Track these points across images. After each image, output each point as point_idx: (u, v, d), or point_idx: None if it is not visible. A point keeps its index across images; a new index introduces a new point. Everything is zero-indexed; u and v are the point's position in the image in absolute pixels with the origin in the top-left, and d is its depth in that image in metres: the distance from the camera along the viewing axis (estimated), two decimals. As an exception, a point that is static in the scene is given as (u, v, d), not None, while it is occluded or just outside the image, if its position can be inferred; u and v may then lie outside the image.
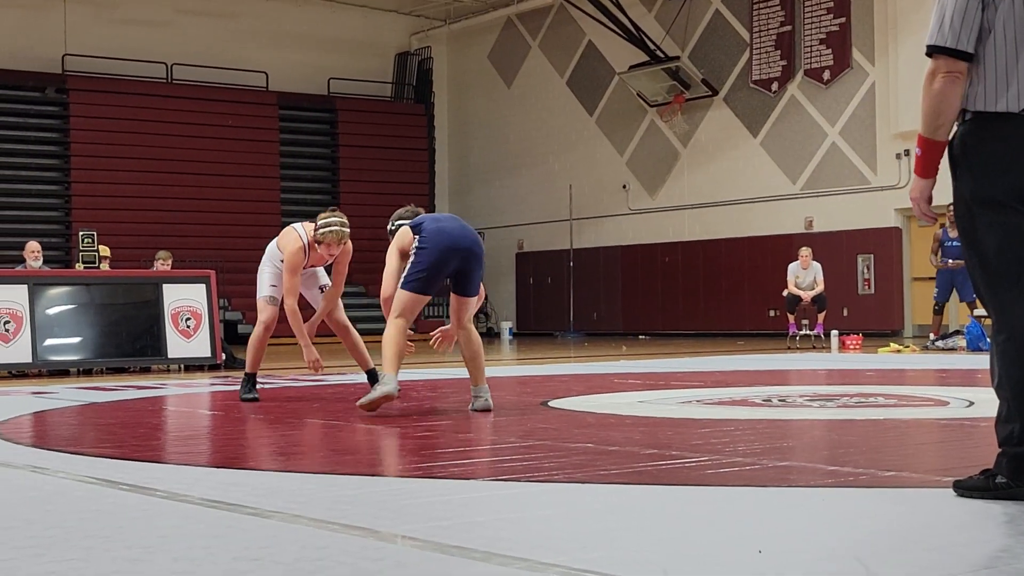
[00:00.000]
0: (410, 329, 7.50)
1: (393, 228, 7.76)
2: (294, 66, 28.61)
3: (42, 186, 25.88)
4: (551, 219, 28.12)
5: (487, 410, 7.45)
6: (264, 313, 8.67)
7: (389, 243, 7.67)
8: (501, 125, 29.48)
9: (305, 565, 3.14)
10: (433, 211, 29.61)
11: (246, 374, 8.82)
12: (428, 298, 7.46)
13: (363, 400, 7.37)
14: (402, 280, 7.40)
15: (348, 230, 8.38)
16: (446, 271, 7.42)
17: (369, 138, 28.73)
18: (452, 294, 7.58)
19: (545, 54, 28.44)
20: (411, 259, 7.39)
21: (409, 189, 28.83)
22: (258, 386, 8.94)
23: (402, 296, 7.37)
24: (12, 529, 3.76)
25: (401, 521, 3.75)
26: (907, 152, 21.90)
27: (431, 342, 7.92)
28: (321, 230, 8.30)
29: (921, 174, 4.11)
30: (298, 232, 8.50)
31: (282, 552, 3.32)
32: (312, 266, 8.73)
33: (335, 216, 8.36)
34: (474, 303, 7.63)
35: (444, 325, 7.95)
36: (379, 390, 7.24)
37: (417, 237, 7.42)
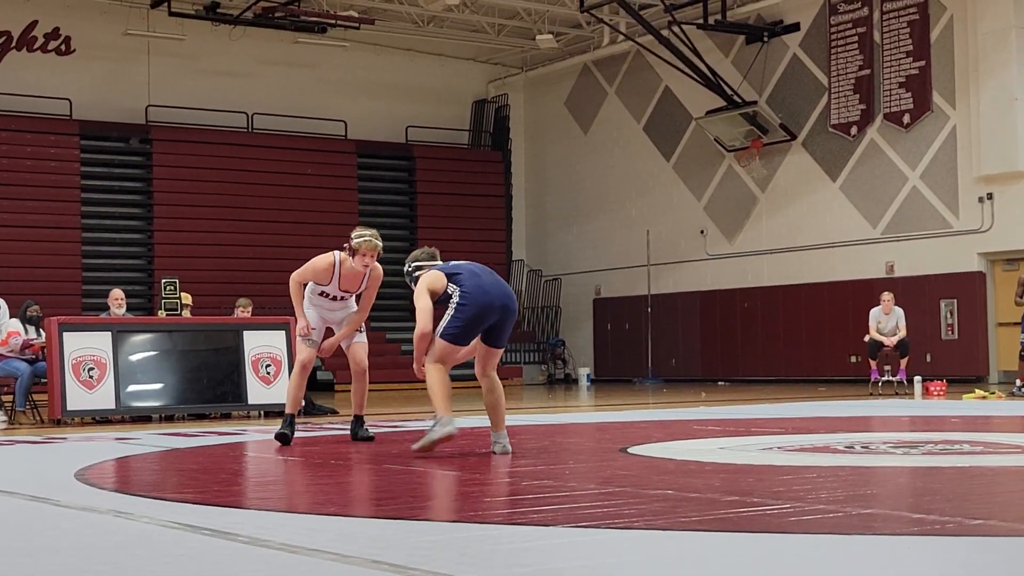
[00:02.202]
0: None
1: (411, 269, 7.99)
2: (372, 114, 28.88)
3: (126, 235, 26.28)
4: (628, 265, 28.06)
5: (506, 454, 7.64)
6: (301, 354, 9.07)
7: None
8: (578, 171, 29.52)
9: (386, 611, 3.14)
10: (510, 256, 29.69)
11: (286, 415, 9.03)
12: (463, 348, 7.72)
13: (420, 443, 7.58)
14: (441, 330, 7.63)
15: (381, 243, 8.76)
16: (483, 326, 7.67)
17: (447, 185, 28.88)
18: (482, 343, 7.79)
19: (622, 100, 28.48)
20: (451, 312, 7.61)
21: (486, 235, 28.96)
22: (335, 430, 9.04)
23: (439, 344, 7.62)
24: (99, 573, 3.80)
25: (483, 567, 3.74)
26: (990, 195, 21.64)
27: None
28: (356, 240, 8.68)
29: None
30: (333, 253, 8.89)
31: (363, 598, 3.32)
32: (345, 291, 8.98)
33: (369, 230, 8.77)
34: (501, 353, 7.88)
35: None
36: (438, 431, 7.46)
37: (458, 291, 7.62)
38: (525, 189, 30.88)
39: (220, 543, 4.37)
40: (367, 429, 9.33)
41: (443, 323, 7.64)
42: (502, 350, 7.86)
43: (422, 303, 7.69)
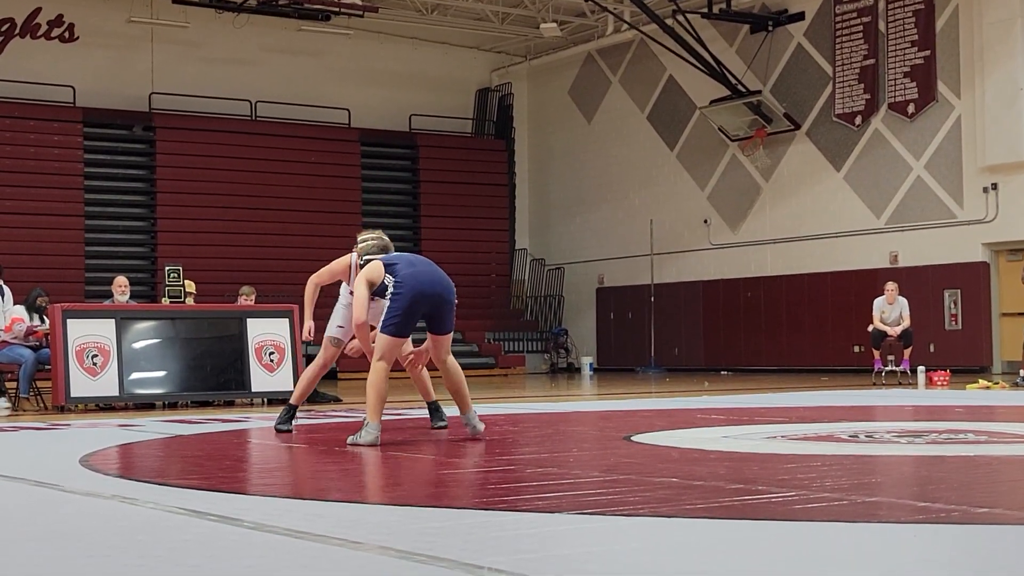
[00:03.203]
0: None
1: (361, 262, 8.08)
2: (376, 103, 28.86)
3: (129, 222, 26.28)
4: (632, 254, 28.04)
5: (477, 434, 7.77)
6: (325, 352, 8.91)
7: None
8: (581, 160, 29.49)
9: (392, 596, 3.14)
10: (513, 245, 29.69)
11: (288, 405, 8.98)
12: (406, 340, 7.83)
13: (350, 439, 7.72)
14: (380, 324, 7.71)
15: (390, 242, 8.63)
16: (419, 315, 7.73)
17: (450, 174, 28.85)
18: (428, 333, 7.87)
19: (625, 89, 28.45)
20: (387, 303, 7.68)
21: (489, 224, 28.94)
22: (340, 417, 9.02)
23: (382, 340, 7.70)
24: (104, 558, 3.81)
25: (488, 553, 3.74)
26: (995, 186, 21.61)
27: (404, 362, 8.14)
28: (360, 245, 8.50)
29: None
30: (350, 255, 8.79)
31: (369, 583, 3.32)
32: None
33: (372, 233, 8.59)
34: (449, 340, 7.91)
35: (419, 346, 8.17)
36: (363, 439, 7.58)
37: (393, 280, 7.70)
38: (528, 178, 30.86)
39: (226, 528, 4.38)
40: (443, 414, 8.88)
41: (383, 317, 7.70)
42: (449, 336, 7.88)
43: (359, 293, 7.79)
